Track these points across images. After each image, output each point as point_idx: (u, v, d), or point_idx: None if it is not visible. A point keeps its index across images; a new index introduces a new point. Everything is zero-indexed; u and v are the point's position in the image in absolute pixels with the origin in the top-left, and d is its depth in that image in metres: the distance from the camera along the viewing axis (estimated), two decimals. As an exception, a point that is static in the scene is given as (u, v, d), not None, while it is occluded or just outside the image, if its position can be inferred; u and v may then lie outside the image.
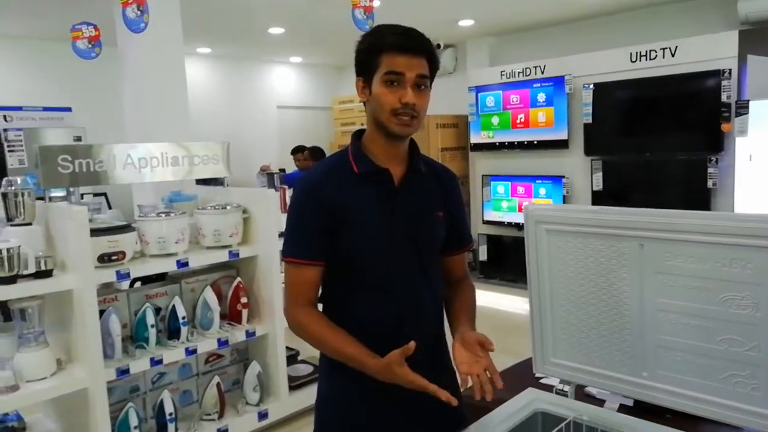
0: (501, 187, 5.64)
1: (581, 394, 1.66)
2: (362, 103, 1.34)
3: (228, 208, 2.92)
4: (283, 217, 3.26)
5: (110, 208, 5.20)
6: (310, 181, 1.33)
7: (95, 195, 5.21)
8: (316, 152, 5.76)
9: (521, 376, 1.87)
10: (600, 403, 1.51)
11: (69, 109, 5.71)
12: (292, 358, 3.36)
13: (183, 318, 2.73)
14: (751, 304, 1.22)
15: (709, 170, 4.26)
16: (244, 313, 2.95)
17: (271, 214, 3.00)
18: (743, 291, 1.23)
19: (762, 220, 1.21)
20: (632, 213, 1.39)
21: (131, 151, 2.88)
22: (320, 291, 1.37)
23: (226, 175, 3.24)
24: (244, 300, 2.95)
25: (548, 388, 1.56)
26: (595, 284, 1.47)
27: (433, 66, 1.28)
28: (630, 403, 1.47)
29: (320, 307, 1.38)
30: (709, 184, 4.27)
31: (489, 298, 5.25)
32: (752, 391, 1.25)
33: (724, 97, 4.16)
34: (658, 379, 1.40)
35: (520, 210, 5.49)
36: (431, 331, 1.38)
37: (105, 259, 2.50)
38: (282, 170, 6.23)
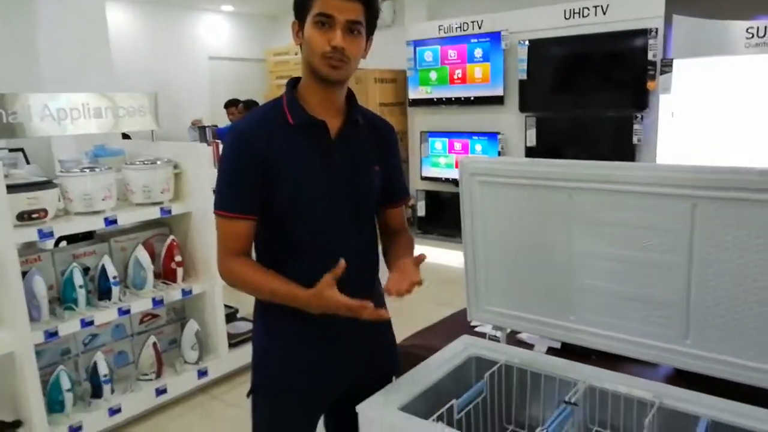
0: (438, 144, 5.68)
1: (513, 340, 1.74)
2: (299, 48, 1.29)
3: (158, 163, 2.81)
4: (216, 172, 3.19)
5: (28, 163, 4.88)
6: (242, 131, 1.28)
7: (10, 150, 4.87)
8: (251, 106, 5.55)
9: (457, 325, 1.94)
10: (530, 347, 1.59)
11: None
12: (231, 315, 3.33)
13: (114, 278, 2.64)
14: (667, 249, 1.31)
15: (635, 127, 4.45)
16: (179, 271, 2.88)
17: (203, 169, 2.91)
18: (659, 236, 1.31)
19: (678, 170, 1.28)
20: (561, 164, 1.44)
21: (49, 101, 2.69)
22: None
23: (154, 128, 3.10)
24: (178, 258, 2.88)
25: (483, 335, 1.63)
26: (527, 233, 1.53)
27: (371, 13, 1.24)
28: (558, 345, 1.56)
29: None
30: (635, 140, 4.46)
31: (429, 252, 5.34)
32: (666, 330, 1.35)
33: (650, 56, 4.31)
34: (583, 322, 1.49)
35: (457, 166, 5.56)
36: (364, 283, 1.38)
37: (25, 217, 2.36)
38: (214, 126, 6.02)
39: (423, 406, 1.33)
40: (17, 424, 2.37)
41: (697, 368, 1.34)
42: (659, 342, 1.37)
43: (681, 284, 1.31)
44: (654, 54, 4.30)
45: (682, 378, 1.42)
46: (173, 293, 2.83)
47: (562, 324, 1.52)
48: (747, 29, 4.04)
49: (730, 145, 3.93)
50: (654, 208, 1.30)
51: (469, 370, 1.56)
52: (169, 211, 2.82)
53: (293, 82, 1.33)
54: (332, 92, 1.29)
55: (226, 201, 1.28)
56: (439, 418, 1.27)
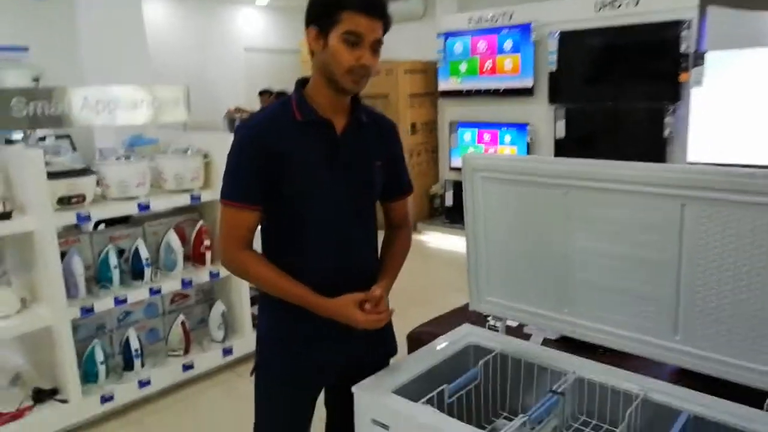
0: (468, 134, 5.70)
1: (521, 332, 1.79)
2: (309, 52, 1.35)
3: (189, 152, 2.94)
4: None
5: (74, 149, 5.12)
6: (251, 126, 1.36)
7: (57, 137, 5.13)
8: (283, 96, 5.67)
9: (469, 315, 1.98)
10: (527, 338, 1.65)
11: (25, 49, 5.51)
12: (257, 298, 3.46)
13: (146, 259, 2.79)
14: (658, 247, 1.34)
15: (666, 119, 4.37)
16: (208, 255, 3.02)
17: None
18: (651, 234, 1.35)
19: (668, 170, 1.31)
20: (558, 162, 1.49)
21: (89, 93, 2.85)
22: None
23: (185, 119, 3.24)
24: (207, 243, 3.02)
25: (495, 328, 1.68)
26: (525, 228, 1.58)
27: (386, 29, 1.31)
28: (553, 337, 1.61)
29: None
30: (665, 132, 4.39)
31: (454, 242, 5.41)
32: (656, 325, 1.39)
33: (683, 48, 4.22)
34: (577, 315, 1.54)
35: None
36: (364, 271, 1.45)
37: (65, 201, 2.53)
38: (238, 110, 6.07)
39: (417, 390, 1.41)
40: (54, 391, 2.56)
41: (685, 364, 1.37)
42: (649, 337, 1.41)
43: (671, 281, 1.34)
44: (687, 46, 4.21)
45: (687, 376, 1.44)
46: (201, 275, 2.97)
47: (558, 316, 1.57)
48: (785, 20, 3.92)
49: (760, 139, 3.84)
50: (645, 207, 1.34)
51: (466, 358, 1.63)
52: (199, 198, 2.96)
53: (302, 82, 1.40)
54: (343, 98, 1.36)
55: (233, 191, 1.33)
56: (430, 402, 1.35)
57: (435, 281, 4.48)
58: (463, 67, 5.59)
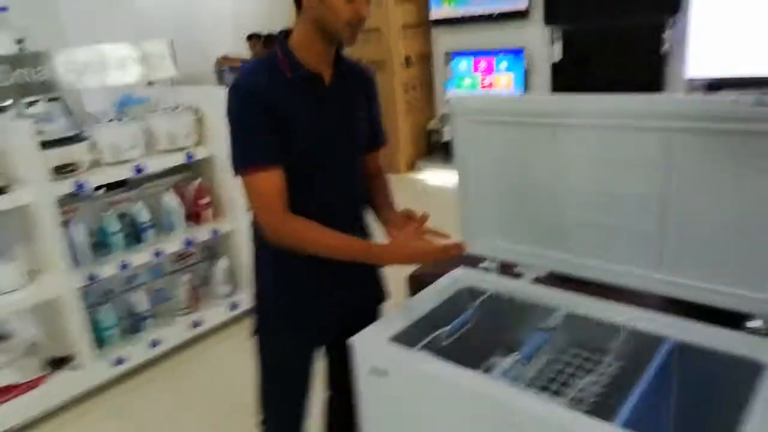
0: (463, 63, 5.56)
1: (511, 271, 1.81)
2: (296, 8, 1.30)
3: (179, 109, 2.91)
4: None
5: (71, 114, 5.07)
6: (247, 86, 1.28)
7: (50, 99, 5.06)
8: (272, 40, 5.50)
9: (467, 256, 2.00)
10: (519, 277, 1.68)
11: (4, 9, 5.34)
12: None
13: (146, 222, 2.83)
14: (646, 181, 1.34)
15: (664, 34, 4.23)
16: (207, 212, 3.05)
17: (223, 113, 3.00)
18: (638, 170, 1.34)
19: (652, 102, 1.29)
20: (545, 101, 1.46)
21: (74, 54, 2.80)
22: None
23: (173, 73, 3.18)
24: (206, 200, 3.04)
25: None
26: (514, 169, 1.57)
27: None
28: (542, 273, 1.64)
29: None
30: (664, 48, 4.27)
31: (453, 178, 5.39)
32: (641, 257, 1.41)
33: (682, -44, 4.04)
34: (567, 252, 1.55)
35: (482, 86, 5.48)
36: (358, 214, 1.53)
37: (60, 170, 2.54)
38: (225, 59, 5.93)
39: (415, 335, 1.45)
40: (69, 359, 2.65)
41: (672, 293, 1.40)
42: (637, 269, 1.43)
43: (659, 214, 1.35)
44: (686, -47, 4.01)
45: (674, 305, 1.47)
46: (202, 234, 3.01)
47: (549, 254, 1.59)
48: None
49: (764, 49, 3.72)
50: (633, 142, 1.32)
51: (462, 300, 1.66)
52: (193, 156, 2.95)
53: (284, 34, 1.36)
54: (332, 49, 1.34)
55: (253, 155, 1.27)
56: (426, 347, 1.39)
57: (436, 220, 4.48)
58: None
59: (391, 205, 1.56)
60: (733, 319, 1.29)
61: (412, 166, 6.02)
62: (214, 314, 3.11)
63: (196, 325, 3.02)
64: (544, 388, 1.36)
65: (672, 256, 1.37)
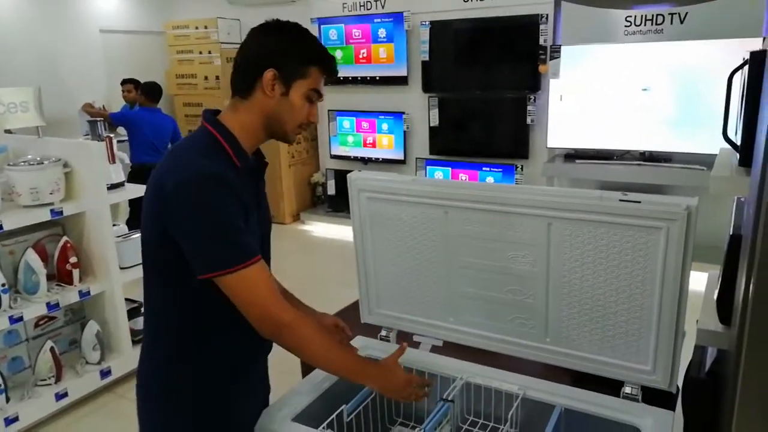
0: (347, 122, 5.73)
1: (408, 340, 1.86)
2: (240, 91, 1.23)
3: (45, 163, 2.68)
4: (113, 168, 3.05)
5: None
6: (211, 168, 1.14)
7: None
8: (151, 90, 5.10)
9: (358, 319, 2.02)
10: (417, 346, 1.73)
11: None
12: (135, 310, 3.27)
13: (2, 285, 2.52)
14: (529, 261, 1.47)
15: (528, 108, 4.71)
16: (75, 272, 2.80)
17: (96, 167, 2.81)
18: (523, 250, 1.47)
19: (536, 193, 1.43)
20: (439, 184, 1.56)
21: None
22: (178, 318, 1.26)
23: (39, 123, 2.93)
24: (73, 259, 2.79)
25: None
26: (410, 245, 1.65)
27: None
28: (440, 344, 1.71)
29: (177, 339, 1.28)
30: (528, 120, 4.73)
31: (338, 231, 5.46)
32: (530, 329, 1.53)
33: (541, 41, 4.55)
34: (461, 323, 1.65)
35: (365, 145, 5.66)
36: None
37: None
38: (101, 115, 5.63)
39: (317, 412, 1.44)
40: None
41: (556, 362, 1.53)
42: (525, 340, 1.55)
43: (541, 291, 1.48)
44: (545, 39, 4.54)
45: (559, 372, 1.59)
46: (70, 296, 2.75)
47: (443, 325, 1.67)
48: (626, 18, 4.35)
49: (612, 126, 4.27)
50: (517, 226, 1.46)
51: (361, 372, 1.68)
52: (61, 212, 2.72)
53: (215, 118, 1.25)
54: (265, 140, 1.30)
55: (248, 245, 1.15)
56: (329, 425, 1.38)
57: (321, 274, 4.50)
58: (338, 54, 5.58)
59: (300, 302, 1.49)
60: (610, 385, 1.44)
61: (296, 218, 6.00)
62: (82, 383, 2.81)
63: (60, 396, 2.71)
64: (446, 461, 1.40)
65: (555, 329, 1.50)
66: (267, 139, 1.28)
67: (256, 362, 1.41)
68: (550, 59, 4.43)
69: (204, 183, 1.12)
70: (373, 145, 5.63)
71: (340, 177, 5.80)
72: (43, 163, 2.66)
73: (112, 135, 3.12)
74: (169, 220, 1.14)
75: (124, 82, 5.69)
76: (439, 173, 5.24)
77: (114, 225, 3.09)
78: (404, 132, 5.39)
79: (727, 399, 1.04)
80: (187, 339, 1.27)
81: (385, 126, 5.53)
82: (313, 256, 5.14)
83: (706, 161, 3.77)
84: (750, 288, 0.96)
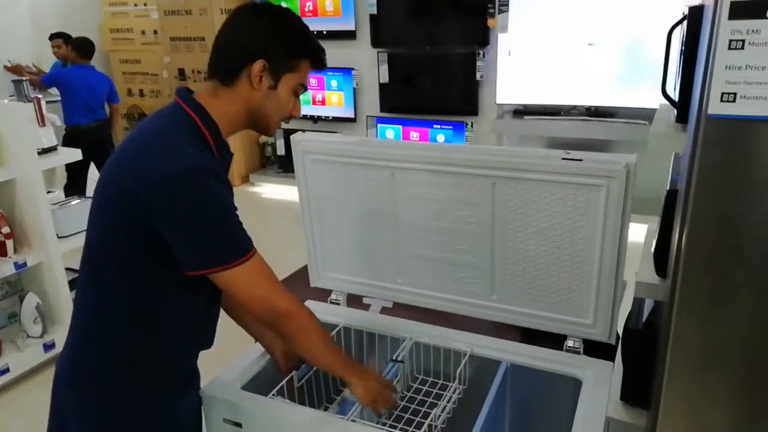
0: (294, 79, 5.57)
1: (359, 302, 1.86)
2: (223, 77, 1.13)
3: (-33, 127, 2.49)
4: (43, 131, 2.87)
5: None
6: (199, 161, 1.07)
7: None
8: (83, 46, 4.73)
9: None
10: (367, 308, 1.73)
11: None
12: (76, 281, 3.16)
13: (-73, 259, 2.38)
14: (474, 221, 1.47)
15: (477, 63, 4.68)
16: (9, 243, 2.65)
17: (24, 131, 2.64)
18: (468, 210, 1.47)
19: (480, 153, 1.43)
20: (385, 145, 1.54)
21: None
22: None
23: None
24: (6, 230, 2.64)
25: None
26: (357, 207, 1.63)
27: None
28: (390, 305, 1.72)
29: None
30: (477, 76, 4.71)
31: (289, 192, 5.37)
32: (474, 288, 1.55)
33: (490, -6, 4.50)
34: (409, 284, 1.65)
35: (314, 103, 5.53)
36: None
37: None
38: (34, 70, 5.29)
39: (267, 380, 1.43)
40: None
41: (502, 319, 1.56)
42: (472, 299, 1.57)
43: (486, 250, 1.49)
44: (493, -7, 4.48)
45: (504, 328, 1.63)
46: (4, 268, 2.61)
47: (392, 287, 1.67)
48: (573, -30, 4.32)
49: (559, 82, 4.30)
50: (463, 186, 1.45)
51: (311, 335, 1.67)
52: (-12, 180, 2.56)
53: (194, 99, 1.14)
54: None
55: (246, 239, 1.12)
56: (280, 392, 1.37)
57: (272, 235, 4.42)
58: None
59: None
60: (555, 340, 1.48)
61: (245, 179, 5.87)
62: (24, 357, 2.71)
63: (2, 372, 2.61)
64: (398, 420, 1.43)
65: (500, 287, 1.52)
66: (244, 128, 1.21)
67: (191, 362, 1.32)
68: (499, 13, 4.39)
69: (196, 177, 1.04)
70: (323, 102, 5.50)
71: (290, 136, 5.67)
72: (-37, 128, 2.48)
73: (40, 95, 2.91)
74: (150, 217, 1.04)
75: (53, 36, 5.32)
76: (390, 131, 5.19)
77: (49, 192, 2.94)
78: (354, 89, 5.29)
79: (661, 348, 1.08)
80: (127, 332, 1.17)
81: (334, 83, 5.40)
82: (264, 218, 5.05)
83: (649, 116, 3.85)
84: (682, 241, 0.99)
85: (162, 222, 1.05)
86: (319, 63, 1.20)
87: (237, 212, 1.11)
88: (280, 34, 1.13)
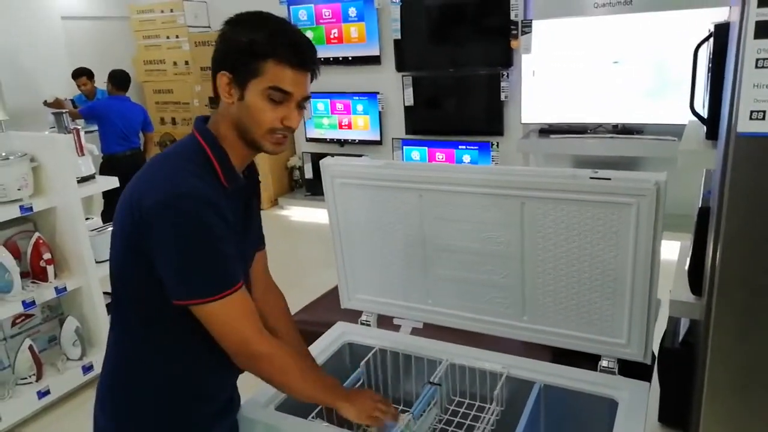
0: (321, 105, 5.66)
1: (388, 322, 1.87)
2: (211, 97, 1.19)
3: (11, 158, 2.61)
4: (82, 160, 2.98)
5: None
6: (196, 190, 1.05)
7: None
8: (119, 79, 4.92)
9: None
10: (397, 328, 1.74)
11: None
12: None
13: (-27, 285, 2.47)
14: (503, 241, 1.48)
15: (502, 84, 4.71)
16: (50, 269, 2.75)
17: (65, 161, 2.75)
18: (497, 230, 1.48)
19: (508, 173, 1.44)
20: (412, 167, 1.56)
21: None
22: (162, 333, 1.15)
23: (2, 117, 2.85)
24: (47, 256, 2.73)
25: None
26: (386, 228, 1.65)
27: (314, 77, 1.15)
28: (420, 326, 1.73)
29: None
30: (502, 96, 4.73)
31: (317, 215, 5.44)
32: (505, 308, 1.55)
33: (512, 15, 4.53)
34: (440, 305, 1.66)
35: (340, 127, 5.61)
36: None
37: None
38: (72, 101, 5.48)
39: (299, 402, 1.44)
40: None
41: (534, 339, 1.55)
42: (503, 319, 1.57)
43: (516, 270, 1.50)
44: (516, 14, 4.52)
45: (536, 348, 1.62)
46: (45, 293, 2.70)
47: (422, 307, 1.68)
48: (596, -9, 4.34)
49: (585, 100, 4.29)
50: (491, 206, 1.46)
51: (344, 357, 1.69)
52: (31, 208, 2.65)
53: (205, 126, 1.15)
54: (253, 154, 1.18)
55: (228, 275, 1.08)
56: (318, 414, 1.39)
57: (303, 259, 4.49)
58: (309, 35, 5.47)
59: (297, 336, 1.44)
60: (588, 360, 1.46)
61: (274, 203, 5.96)
62: (64, 380, 2.78)
63: (43, 394, 2.67)
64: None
65: (531, 307, 1.52)
66: (250, 151, 1.16)
67: (225, 389, 1.29)
68: (522, 34, 4.42)
69: (185, 204, 1.02)
70: (349, 126, 5.59)
71: (317, 160, 5.76)
72: (8, 159, 2.59)
73: (79, 126, 3.04)
74: (146, 240, 1.05)
75: (76, 75, 5.50)
76: (416, 153, 5.23)
77: (87, 218, 3.03)
78: (379, 112, 5.36)
79: (699, 368, 1.07)
80: (154, 359, 1.17)
81: (360, 107, 5.48)
82: (293, 240, 5.11)
83: (678, 132, 3.80)
84: (717, 259, 0.98)
85: (152, 247, 1.05)
86: (288, 58, 1.06)
87: (231, 245, 1.08)
88: (238, 41, 1.07)
